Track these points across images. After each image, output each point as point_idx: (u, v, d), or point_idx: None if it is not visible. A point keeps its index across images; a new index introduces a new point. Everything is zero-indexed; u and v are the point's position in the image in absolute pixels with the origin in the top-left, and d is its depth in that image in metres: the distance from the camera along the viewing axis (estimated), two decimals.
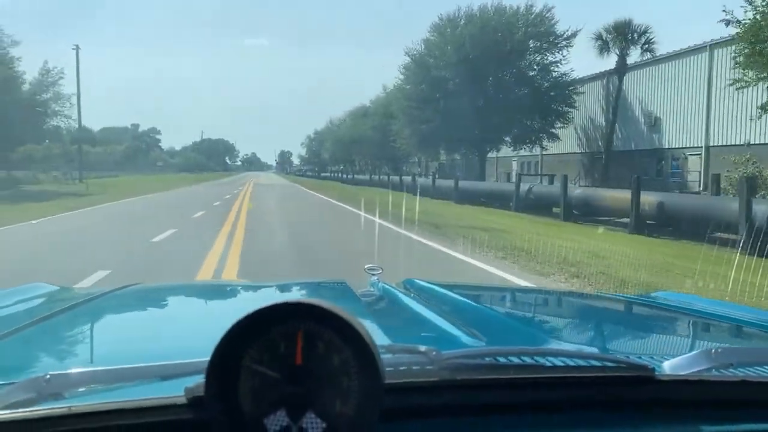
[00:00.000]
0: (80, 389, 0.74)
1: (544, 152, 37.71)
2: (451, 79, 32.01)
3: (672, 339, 1.49)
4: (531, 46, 32.22)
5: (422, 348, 0.80)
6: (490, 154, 36.33)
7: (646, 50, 27.73)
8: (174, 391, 0.69)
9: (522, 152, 35.78)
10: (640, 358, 0.99)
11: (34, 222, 13.56)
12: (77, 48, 42.43)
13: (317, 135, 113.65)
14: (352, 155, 65.94)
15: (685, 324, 1.63)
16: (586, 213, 17.34)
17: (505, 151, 37.35)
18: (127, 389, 0.75)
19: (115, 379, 0.76)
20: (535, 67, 32.93)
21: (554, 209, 20.18)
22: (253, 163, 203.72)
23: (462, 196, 25.69)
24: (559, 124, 32.09)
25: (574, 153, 35.32)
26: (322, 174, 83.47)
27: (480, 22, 31.72)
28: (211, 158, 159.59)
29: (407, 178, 40.00)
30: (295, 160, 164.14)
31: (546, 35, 32.02)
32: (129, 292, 1.77)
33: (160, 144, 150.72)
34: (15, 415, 0.66)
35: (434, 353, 0.78)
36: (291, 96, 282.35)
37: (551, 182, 25.63)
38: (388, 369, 0.69)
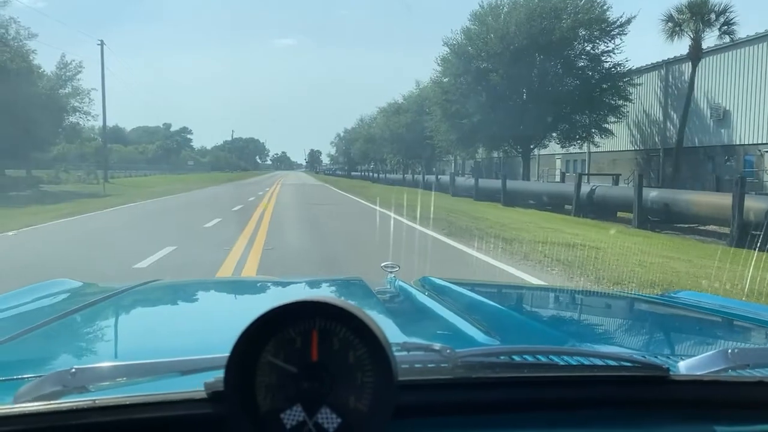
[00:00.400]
0: (104, 383, 0.76)
1: (591, 150, 35.02)
2: (493, 71, 29.46)
3: (689, 338, 1.47)
4: (580, 34, 29.50)
5: (437, 346, 0.81)
6: (531, 152, 33.72)
7: (725, 33, 24.24)
8: (193, 386, 0.70)
9: (567, 149, 33.01)
10: (656, 357, 0.99)
11: (10, 234, 11.61)
12: (102, 43, 41.32)
13: (347, 134, 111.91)
14: (384, 153, 63.24)
15: (704, 323, 1.60)
16: (665, 219, 14.83)
17: (549, 148, 34.63)
18: (148, 383, 0.77)
19: (137, 373, 0.78)
20: (585, 57, 30.19)
21: (619, 214, 17.71)
22: (283, 162, 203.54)
23: (509, 197, 23.28)
24: (612, 119, 29.29)
25: (626, 150, 32.55)
26: (352, 173, 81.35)
27: (525, 10, 29.13)
28: (242, 157, 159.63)
29: (444, 178, 37.66)
30: (325, 159, 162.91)
31: (597, 22, 29.24)
32: (150, 288, 1.83)
33: (191, 143, 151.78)
34: (42, 407, 0.68)
35: (449, 351, 0.79)
36: (321, 95, 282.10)
37: (616, 182, 23.07)
38: (403, 366, 0.72)
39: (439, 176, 38.11)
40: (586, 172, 37.62)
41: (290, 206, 21.02)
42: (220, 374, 0.66)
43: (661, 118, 29.63)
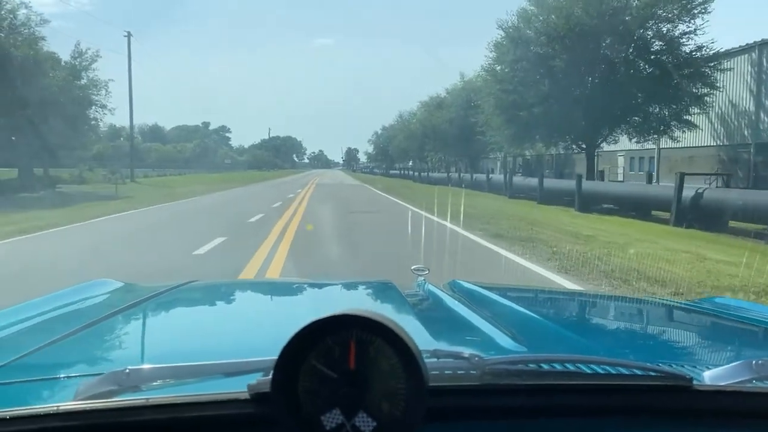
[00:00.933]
0: (155, 383, 0.82)
1: (663, 145, 31.03)
2: (556, 56, 25.89)
3: (719, 348, 1.46)
4: (656, 13, 25.66)
5: (466, 353, 0.85)
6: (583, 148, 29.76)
7: None
8: (236, 387, 0.75)
9: (641, 144, 29.03)
10: (682, 366, 1.01)
11: None
12: (129, 35, 39.32)
13: (385, 131, 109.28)
14: (425, 151, 59.25)
15: (735, 332, 1.57)
16: None
17: (611, 143, 30.68)
18: (195, 384, 0.83)
19: (185, 374, 0.84)
20: (661, 39, 26.31)
21: (731, 223, 14.10)
22: (320, 161, 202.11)
23: (582, 200, 19.75)
24: (695, 110, 25.33)
25: (705, 146, 28.57)
26: (391, 171, 78.13)
27: None
28: (278, 156, 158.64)
29: (496, 177, 34.11)
30: (362, 157, 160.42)
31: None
32: (190, 288, 1.90)
33: (230, 142, 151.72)
34: (101, 404, 0.74)
35: (477, 359, 0.83)
36: (358, 93, 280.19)
37: (726, 183, 19.31)
38: (433, 373, 0.75)
39: (490, 175, 34.63)
40: (655, 170, 33.73)
41: (323, 215, 16.30)
42: (261, 376, 0.72)
43: (753, 109, 25.61)
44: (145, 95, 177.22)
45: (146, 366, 0.86)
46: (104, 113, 29.58)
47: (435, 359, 0.85)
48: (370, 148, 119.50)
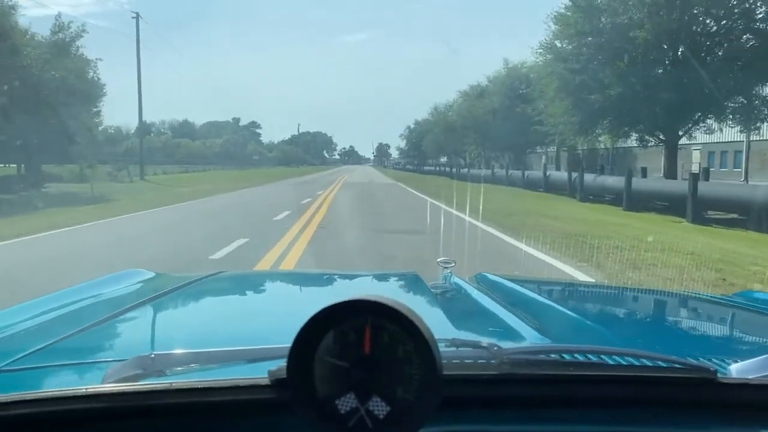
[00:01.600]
0: (179, 368, 0.85)
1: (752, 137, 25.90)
2: (638, 25, 21.01)
3: (747, 341, 1.44)
4: None
5: (485, 343, 0.86)
6: (653, 141, 24.63)
7: None
8: (258, 373, 0.77)
9: (758, 135, 23.87)
10: (708, 359, 1.00)
11: None
12: (137, 16, 35.74)
13: (417, 125, 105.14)
14: (464, 145, 53.97)
15: (766, 326, 1.55)
16: None
17: (690, 135, 25.50)
18: (217, 370, 0.85)
19: (208, 360, 0.86)
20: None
21: None
22: (351, 157, 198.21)
23: (683, 205, 14.93)
24: None
25: None
26: (425, 168, 73.44)
27: None
28: (308, 151, 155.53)
29: (557, 174, 29.11)
30: (394, 153, 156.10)
31: None
32: (218, 279, 1.96)
33: (260, 137, 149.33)
34: (127, 387, 0.76)
35: (496, 348, 0.83)
36: (390, 88, 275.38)
37: None
38: (453, 362, 0.79)
39: (548, 172, 29.76)
40: (743, 166, 28.50)
41: (344, 234, 11.40)
42: (282, 363, 0.72)
43: None
44: (178, 92, 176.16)
45: (171, 351, 0.88)
46: (101, 101, 25.77)
47: (454, 348, 0.86)
48: (402, 143, 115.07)
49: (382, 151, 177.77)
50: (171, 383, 0.76)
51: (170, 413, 0.76)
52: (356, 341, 0.70)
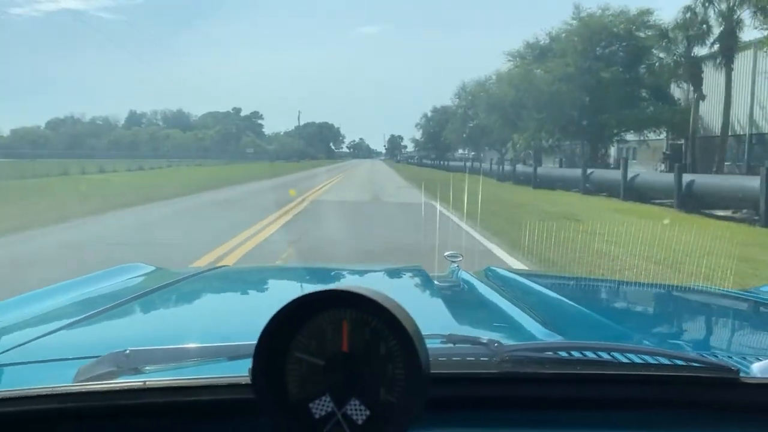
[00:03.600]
0: (156, 365, 0.79)
1: None
2: None
3: None
4: None
5: (484, 339, 0.79)
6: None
7: None
8: (240, 371, 0.70)
9: None
10: (729, 358, 0.93)
11: None
12: None
13: (436, 113, 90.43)
14: (517, 125, 34.80)
15: None
16: None
17: None
18: (198, 367, 0.79)
19: (188, 357, 0.81)
20: None
21: None
22: (360, 149, 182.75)
23: None
24: None
25: None
26: (449, 162, 57.98)
27: None
28: (312, 144, 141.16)
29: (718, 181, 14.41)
30: (408, 146, 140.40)
31: None
32: (215, 274, 1.89)
33: (263, 129, 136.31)
34: (96, 386, 0.72)
35: (496, 344, 0.77)
36: (403, 80, 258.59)
37: None
38: (450, 359, 0.73)
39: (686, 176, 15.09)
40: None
41: None
42: None
43: None
44: (180, 82, 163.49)
45: (148, 347, 0.81)
46: None
47: (451, 344, 0.79)
48: (419, 134, 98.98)
49: (394, 143, 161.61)
50: (144, 381, 0.71)
51: (144, 413, 0.71)
52: (334, 337, 0.63)
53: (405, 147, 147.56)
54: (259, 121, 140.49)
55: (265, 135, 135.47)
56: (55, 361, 0.94)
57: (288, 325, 0.63)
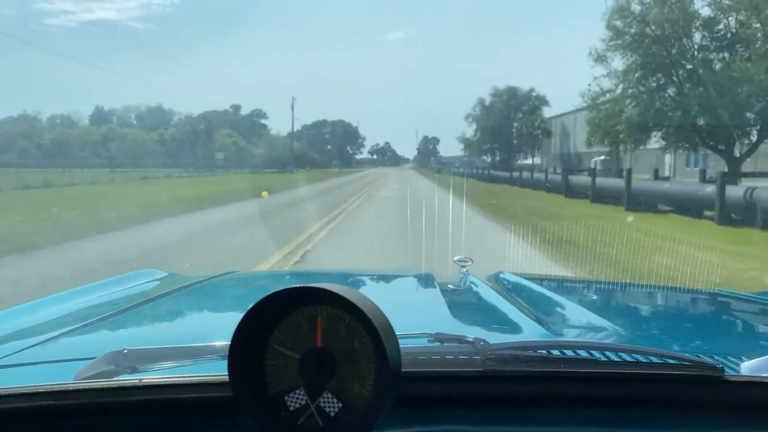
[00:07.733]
0: (153, 364, 0.81)
1: None
2: None
3: (761, 339, 1.38)
4: None
5: (471, 338, 0.81)
6: None
7: None
8: None
9: None
10: (725, 357, 0.94)
11: None
12: None
13: (498, 96, 58.02)
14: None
15: None
16: None
17: None
18: (193, 366, 0.81)
19: (183, 356, 0.83)
20: None
21: None
22: (386, 155, 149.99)
23: None
24: None
25: None
26: (550, 178, 25.48)
27: None
28: (317, 149, 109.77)
29: None
30: (450, 150, 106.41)
31: None
32: (226, 279, 1.90)
33: (267, 128, 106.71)
34: (94, 384, 0.75)
35: (482, 343, 0.78)
36: (432, 83, 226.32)
37: None
38: (433, 357, 0.76)
39: None
40: None
41: None
42: None
43: None
44: (192, 84, 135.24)
45: (145, 347, 0.84)
46: None
47: (438, 343, 0.81)
48: (472, 129, 64.94)
49: (428, 147, 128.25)
50: (140, 379, 0.74)
51: (139, 410, 0.74)
52: (309, 333, 0.66)
53: (438, 152, 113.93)
54: (262, 120, 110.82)
55: (264, 135, 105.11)
56: (62, 362, 0.97)
57: (266, 321, 0.65)
